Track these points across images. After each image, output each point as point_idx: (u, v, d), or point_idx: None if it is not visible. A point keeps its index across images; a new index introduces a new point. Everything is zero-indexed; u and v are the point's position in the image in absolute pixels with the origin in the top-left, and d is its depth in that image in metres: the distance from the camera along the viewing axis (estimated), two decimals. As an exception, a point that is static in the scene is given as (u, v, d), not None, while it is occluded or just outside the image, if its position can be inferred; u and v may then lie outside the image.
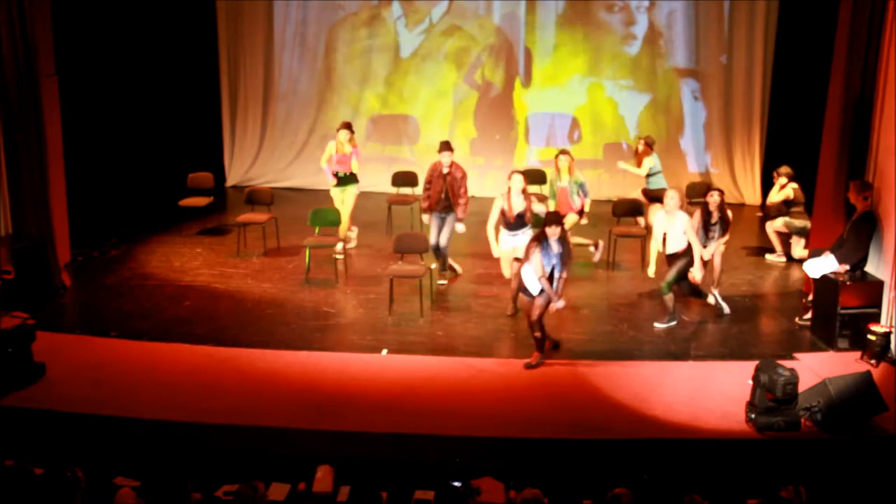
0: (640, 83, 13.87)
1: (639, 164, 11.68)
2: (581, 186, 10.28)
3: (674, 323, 8.97)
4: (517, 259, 8.86)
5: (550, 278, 7.87)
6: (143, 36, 13.60)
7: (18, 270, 9.29)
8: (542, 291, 7.88)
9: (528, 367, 7.97)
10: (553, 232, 7.79)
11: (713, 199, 9.35)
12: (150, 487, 5.26)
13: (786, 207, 10.92)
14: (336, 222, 10.55)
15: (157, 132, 13.85)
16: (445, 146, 9.95)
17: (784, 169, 11.03)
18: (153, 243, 11.43)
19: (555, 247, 7.82)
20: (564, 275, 7.91)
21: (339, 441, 6.75)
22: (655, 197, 11.26)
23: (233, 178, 14.49)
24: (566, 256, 7.90)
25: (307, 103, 14.36)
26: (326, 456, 6.19)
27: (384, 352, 8.31)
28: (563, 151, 10.40)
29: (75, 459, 5.51)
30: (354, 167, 10.65)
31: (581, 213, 10.32)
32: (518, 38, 13.92)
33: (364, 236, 11.42)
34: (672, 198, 8.83)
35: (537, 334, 8.02)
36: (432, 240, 9.95)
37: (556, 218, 7.88)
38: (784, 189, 10.92)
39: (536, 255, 7.83)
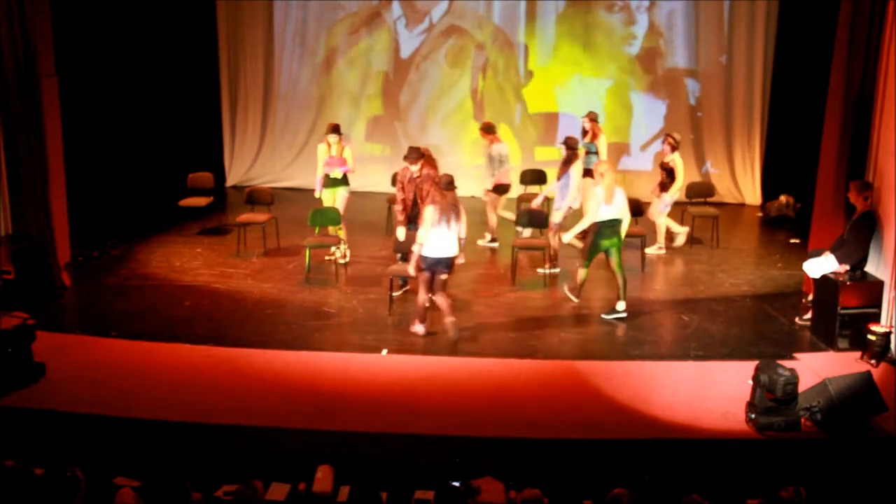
0: (640, 83, 13.88)
1: (594, 139, 11.53)
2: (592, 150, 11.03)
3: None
4: None
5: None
6: (143, 36, 13.61)
7: (18, 270, 9.29)
8: (440, 261, 8.41)
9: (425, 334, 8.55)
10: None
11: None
12: (150, 487, 5.26)
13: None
14: (337, 222, 10.54)
15: (157, 132, 13.86)
16: (413, 157, 9.21)
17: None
18: (153, 243, 11.44)
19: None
20: (463, 235, 8.51)
21: (339, 441, 6.74)
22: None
23: (233, 178, 14.50)
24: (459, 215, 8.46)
25: (307, 103, 14.38)
26: (326, 456, 6.18)
27: (384, 352, 8.31)
28: (590, 117, 11.42)
29: (75, 459, 5.51)
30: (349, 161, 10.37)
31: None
32: (518, 39, 13.93)
33: (364, 236, 11.42)
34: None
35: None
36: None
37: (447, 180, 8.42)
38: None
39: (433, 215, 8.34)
